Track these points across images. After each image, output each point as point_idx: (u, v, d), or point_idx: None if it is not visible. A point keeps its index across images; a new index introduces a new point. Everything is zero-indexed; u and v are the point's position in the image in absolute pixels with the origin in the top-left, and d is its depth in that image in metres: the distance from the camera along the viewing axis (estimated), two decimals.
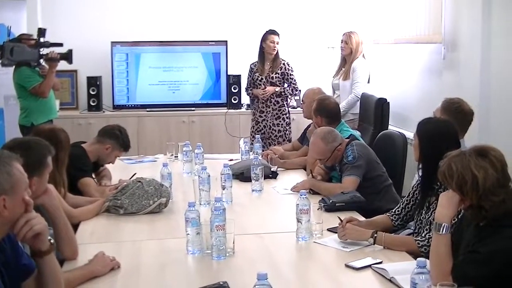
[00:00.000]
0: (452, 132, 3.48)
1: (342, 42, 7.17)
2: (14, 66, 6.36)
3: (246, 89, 7.34)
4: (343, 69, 7.20)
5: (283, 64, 7.10)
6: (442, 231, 2.68)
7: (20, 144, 2.98)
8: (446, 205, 2.70)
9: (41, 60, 6.43)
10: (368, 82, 7.09)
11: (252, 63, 7.24)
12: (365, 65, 7.07)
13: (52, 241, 2.49)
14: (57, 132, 3.84)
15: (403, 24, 6.69)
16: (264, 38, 7.10)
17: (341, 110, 5.82)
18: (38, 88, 6.34)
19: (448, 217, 2.69)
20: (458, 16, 5.56)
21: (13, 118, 6.80)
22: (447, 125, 3.55)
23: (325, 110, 5.20)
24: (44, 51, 6.40)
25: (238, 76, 8.11)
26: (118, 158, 5.66)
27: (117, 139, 4.84)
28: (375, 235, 3.30)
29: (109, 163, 4.94)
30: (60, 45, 6.46)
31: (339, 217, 3.51)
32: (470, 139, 4.15)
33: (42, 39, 6.41)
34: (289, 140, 6.95)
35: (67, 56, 6.50)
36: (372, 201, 4.27)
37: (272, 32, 7.10)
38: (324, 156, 4.60)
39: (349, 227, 3.39)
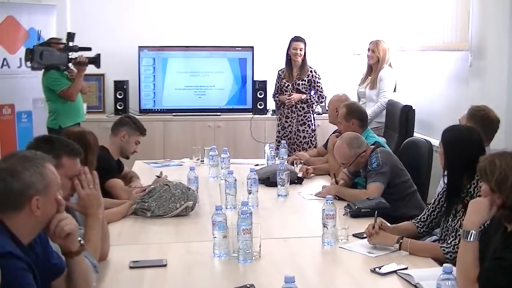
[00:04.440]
0: (476, 139, 3.45)
1: (369, 51, 7.08)
2: (43, 70, 6.45)
3: (273, 95, 7.29)
4: (369, 77, 7.12)
5: (311, 71, 7.07)
6: (470, 238, 2.67)
7: (46, 138, 3.04)
8: (475, 213, 2.69)
9: (70, 64, 6.50)
10: (394, 91, 7.03)
11: (280, 70, 7.21)
12: (392, 74, 7.00)
13: (82, 241, 2.53)
14: (86, 134, 3.86)
15: (429, 31, 6.67)
16: (289, 45, 7.08)
17: None
18: (66, 91, 6.41)
19: (477, 224, 2.68)
20: (485, 24, 5.54)
21: (41, 121, 6.88)
22: (470, 131, 3.54)
23: (357, 112, 5.21)
24: (72, 55, 6.49)
25: (264, 82, 8.14)
26: (144, 162, 5.71)
27: (129, 124, 4.92)
28: (401, 241, 3.31)
29: (133, 153, 4.97)
30: (89, 49, 6.54)
31: (375, 215, 3.52)
32: (496, 147, 4.12)
33: (71, 43, 6.50)
34: (315, 146, 6.91)
35: (95, 60, 6.59)
36: (397, 207, 4.26)
37: (296, 39, 7.07)
38: (347, 161, 4.60)
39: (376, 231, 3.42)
